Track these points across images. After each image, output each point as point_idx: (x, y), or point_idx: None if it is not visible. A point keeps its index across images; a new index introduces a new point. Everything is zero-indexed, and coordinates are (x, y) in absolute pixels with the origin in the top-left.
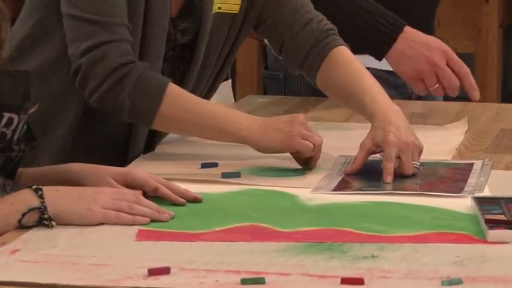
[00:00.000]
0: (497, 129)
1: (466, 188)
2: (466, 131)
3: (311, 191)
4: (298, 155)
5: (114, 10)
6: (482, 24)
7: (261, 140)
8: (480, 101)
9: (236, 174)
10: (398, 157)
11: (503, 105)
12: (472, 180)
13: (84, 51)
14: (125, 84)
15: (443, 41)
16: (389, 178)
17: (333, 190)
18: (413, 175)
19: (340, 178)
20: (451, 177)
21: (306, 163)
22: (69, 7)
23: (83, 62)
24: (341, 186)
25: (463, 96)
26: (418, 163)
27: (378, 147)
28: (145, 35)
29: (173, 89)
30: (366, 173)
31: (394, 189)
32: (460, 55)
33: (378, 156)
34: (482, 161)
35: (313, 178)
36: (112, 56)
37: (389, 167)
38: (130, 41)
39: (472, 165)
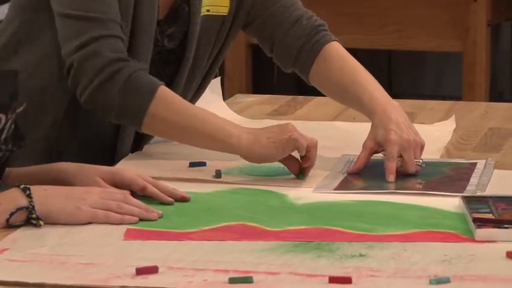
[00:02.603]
0: (485, 128)
1: (468, 188)
2: (454, 130)
3: (313, 190)
4: (291, 163)
5: (107, 8)
6: (471, 23)
7: (252, 147)
8: (468, 99)
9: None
10: (401, 156)
11: (491, 104)
12: (474, 179)
13: (77, 48)
14: (116, 80)
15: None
16: (391, 177)
17: (335, 189)
18: (416, 174)
19: (342, 177)
20: (453, 176)
21: (301, 172)
22: (60, 6)
23: (74, 60)
24: (343, 186)
25: (451, 95)
26: (420, 160)
27: (380, 147)
28: (133, 42)
29: (164, 90)
30: (369, 173)
31: (396, 189)
32: (448, 54)
33: (380, 155)
34: (485, 160)
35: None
36: (104, 52)
37: (391, 166)
38: (123, 39)
39: (475, 164)
